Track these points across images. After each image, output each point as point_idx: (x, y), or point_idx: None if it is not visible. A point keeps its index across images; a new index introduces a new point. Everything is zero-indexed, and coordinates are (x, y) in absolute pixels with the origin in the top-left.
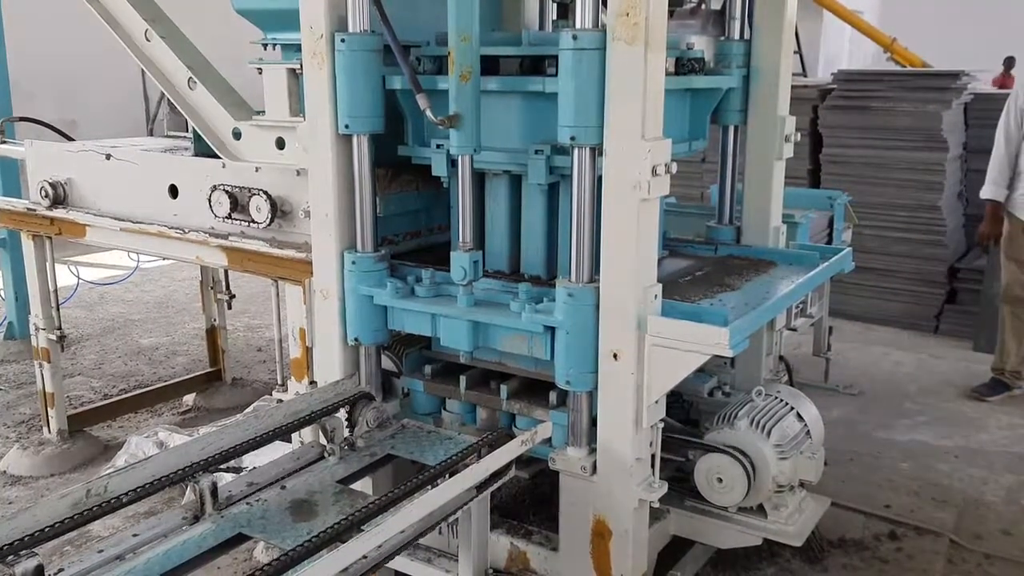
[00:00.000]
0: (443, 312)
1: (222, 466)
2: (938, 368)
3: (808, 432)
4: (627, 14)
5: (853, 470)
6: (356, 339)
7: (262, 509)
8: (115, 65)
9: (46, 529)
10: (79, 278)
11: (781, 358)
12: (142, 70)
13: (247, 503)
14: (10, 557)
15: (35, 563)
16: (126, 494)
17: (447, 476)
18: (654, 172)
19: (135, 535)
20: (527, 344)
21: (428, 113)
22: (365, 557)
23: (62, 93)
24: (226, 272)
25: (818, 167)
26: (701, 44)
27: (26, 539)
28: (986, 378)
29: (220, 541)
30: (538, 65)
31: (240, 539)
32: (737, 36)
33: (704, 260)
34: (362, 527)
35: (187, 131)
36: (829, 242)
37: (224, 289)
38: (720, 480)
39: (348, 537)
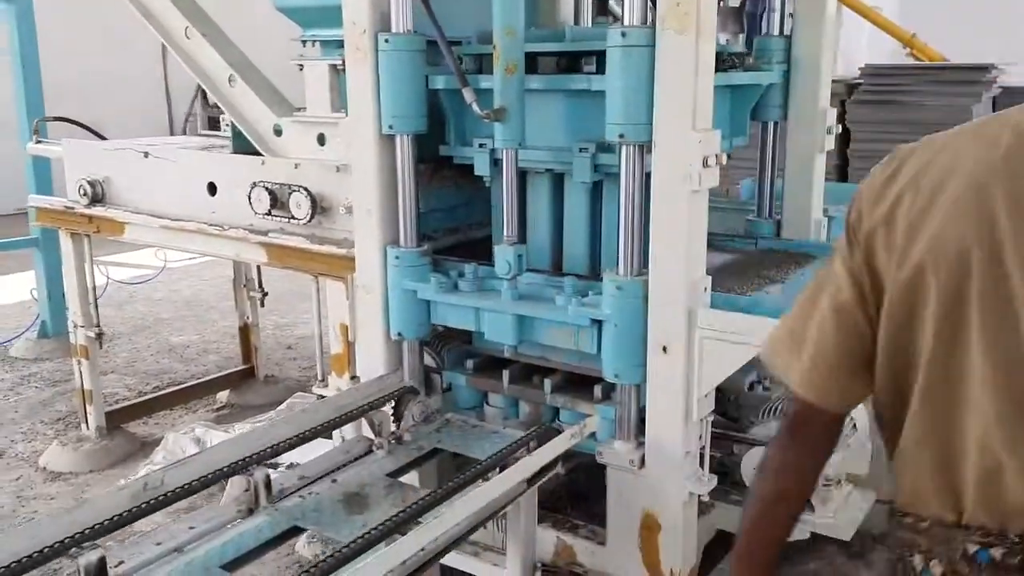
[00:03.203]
0: (487, 306)
1: (267, 462)
2: None
3: (854, 424)
4: (678, 3)
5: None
6: (399, 334)
7: (315, 502)
8: (137, 65)
9: (105, 522)
10: (108, 277)
11: None
12: (164, 70)
13: (300, 496)
14: (73, 550)
15: (98, 555)
16: (183, 487)
17: (498, 470)
18: (705, 163)
19: (191, 527)
20: (573, 338)
21: (475, 106)
22: (423, 550)
23: (85, 94)
24: (259, 270)
25: (846, 162)
26: (721, 41)
27: (87, 532)
28: None
29: (276, 533)
30: (575, 62)
31: (294, 531)
32: (776, 31)
33: (744, 254)
34: (419, 520)
35: (218, 129)
36: None
37: (257, 287)
38: None
39: (406, 530)
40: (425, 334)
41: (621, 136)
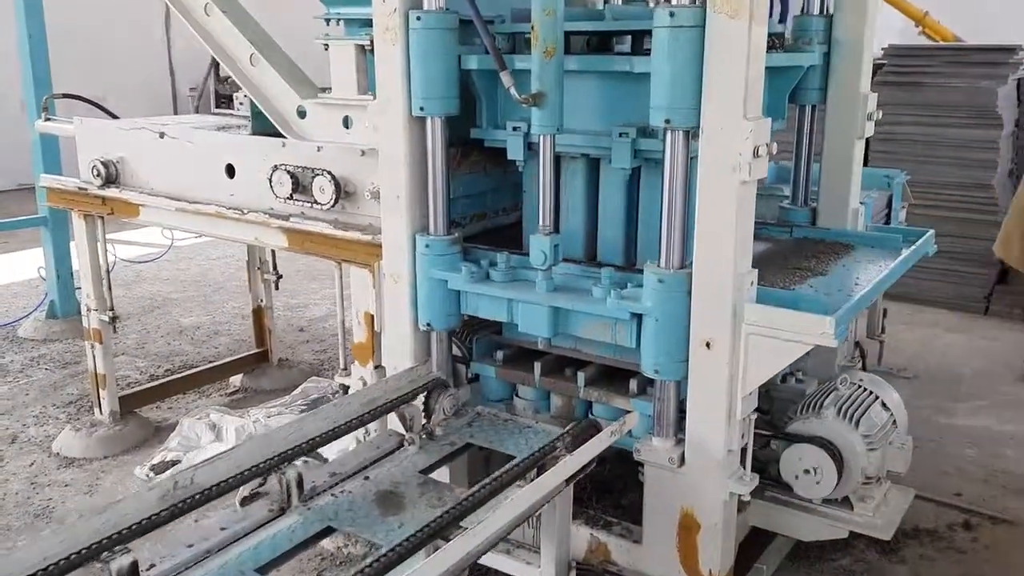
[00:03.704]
0: (522, 297)
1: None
2: (991, 350)
3: (894, 421)
4: None
5: (919, 457)
6: (428, 324)
7: (348, 501)
8: (140, 40)
9: (135, 526)
10: (115, 256)
11: (856, 343)
12: (168, 45)
13: (332, 494)
14: (104, 554)
15: (130, 559)
16: (214, 486)
17: (536, 469)
18: (755, 153)
19: (223, 528)
20: (610, 331)
21: (512, 91)
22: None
23: (87, 70)
24: (273, 252)
25: (867, 144)
26: None
27: (116, 536)
28: None
29: (310, 534)
30: (606, 41)
31: (327, 531)
32: (817, 11)
33: (780, 243)
34: (460, 524)
35: (230, 107)
36: (887, 222)
37: (271, 269)
38: (808, 472)
39: (448, 534)
40: (455, 325)
41: (667, 121)
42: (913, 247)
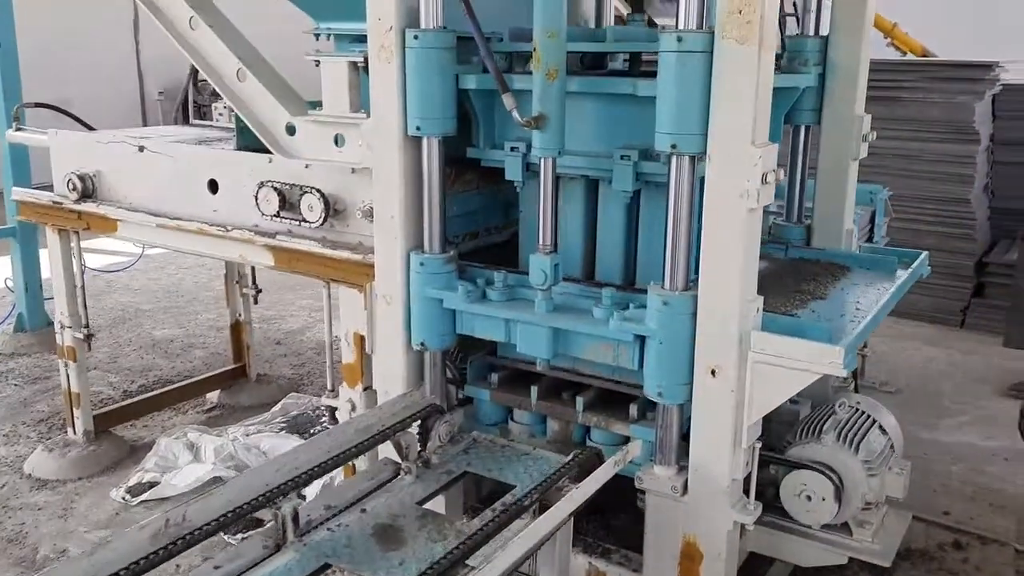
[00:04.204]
0: (521, 318)
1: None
2: (970, 364)
3: (892, 446)
4: (740, 11)
5: None
6: (422, 343)
7: (346, 536)
8: (107, 45)
9: (131, 567)
10: (84, 265)
11: None
12: (136, 52)
13: (328, 529)
14: None
15: None
16: (207, 524)
17: (537, 502)
18: (764, 180)
19: (216, 567)
20: (612, 353)
21: (515, 113)
22: None
23: (51, 75)
24: (253, 267)
25: None
26: None
27: None
28: (1023, 375)
29: (307, 573)
30: (600, 61)
31: (325, 567)
32: (812, 32)
33: (775, 262)
34: (467, 563)
35: (209, 119)
36: (871, 237)
37: (250, 283)
38: (809, 498)
39: (456, 573)
40: (449, 344)
41: (673, 147)
42: (909, 270)
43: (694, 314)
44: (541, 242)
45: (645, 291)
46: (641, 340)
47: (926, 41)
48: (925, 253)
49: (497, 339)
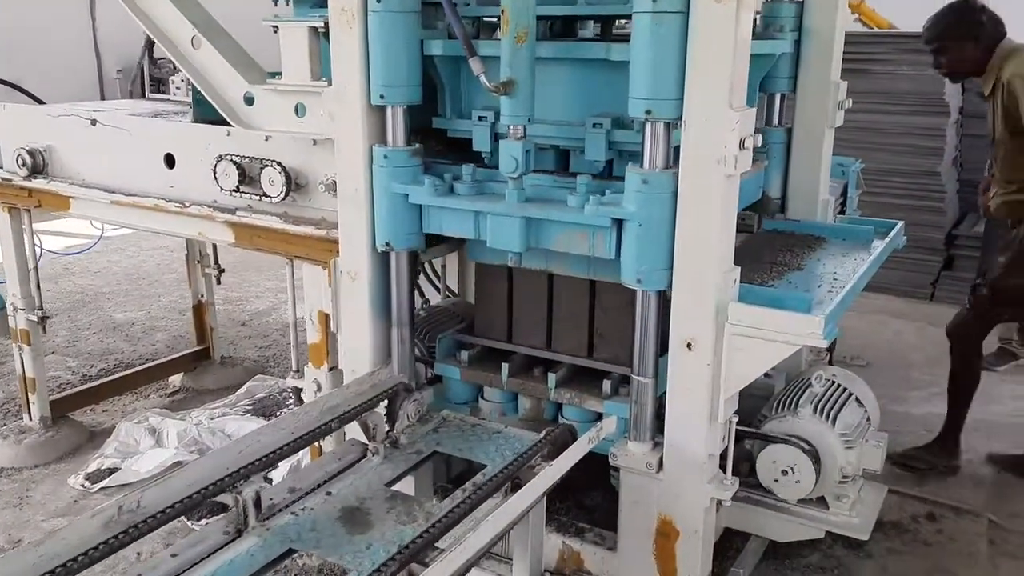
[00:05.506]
0: (491, 209)
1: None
2: (939, 337)
3: (868, 418)
4: None
5: None
6: (387, 243)
7: (311, 520)
8: (61, 24)
9: (80, 558)
10: (41, 248)
11: None
12: (93, 29)
13: (292, 513)
14: None
15: None
16: (163, 511)
17: (510, 481)
18: (742, 145)
19: (174, 555)
20: (588, 242)
21: (483, 78)
22: None
23: (5, 54)
24: (215, 245)
25: None
26: None
27: (59, 570)
28: (992, 348)
29: (271, 558)
30: (569, 26)
31: (289, 553)
32: None
33: (751, 234)
34: (436, 544)
35: (166, 91)
36: (843, 210)
37: (213, 263)
38: (786, 473)
39: (426, 557)
40: (416, 244)
41: (648, 112)
42: (886, 240)
43: (675, 194)
44: (511, 129)
45: (622, 179)
46: (619, 225)
47: (892, 17)
48: (901, 223)
49: (466, 235)
